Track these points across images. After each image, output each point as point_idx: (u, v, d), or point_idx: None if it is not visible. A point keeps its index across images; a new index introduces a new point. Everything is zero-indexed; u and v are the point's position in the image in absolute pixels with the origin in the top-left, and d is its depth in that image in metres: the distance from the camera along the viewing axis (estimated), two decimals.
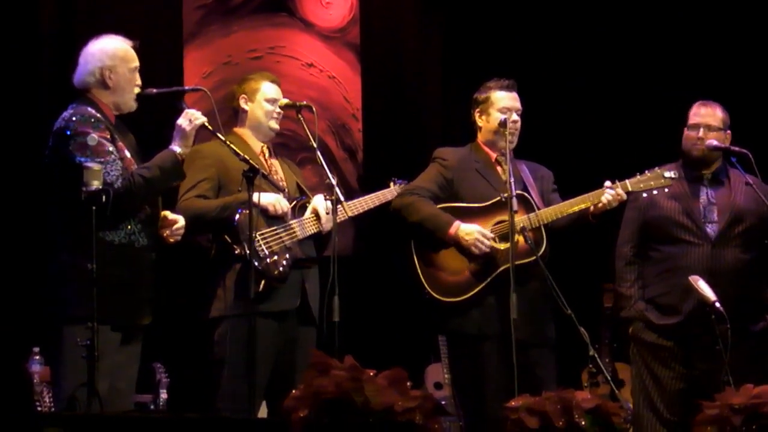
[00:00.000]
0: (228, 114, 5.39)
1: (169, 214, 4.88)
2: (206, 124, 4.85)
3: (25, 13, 6.77)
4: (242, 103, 5.36)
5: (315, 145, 5.07)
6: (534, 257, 5.15)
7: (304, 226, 5.22)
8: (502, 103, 5.40)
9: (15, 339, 6.03)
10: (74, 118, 4.70)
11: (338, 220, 4.99)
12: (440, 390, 7.30)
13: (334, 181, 4.95)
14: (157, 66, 6.47)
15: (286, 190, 5.29)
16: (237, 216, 5.02)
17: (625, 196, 5.26)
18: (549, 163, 5.66)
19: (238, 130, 5.36)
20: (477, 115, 5.48)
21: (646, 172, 5.38)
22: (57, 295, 4.66)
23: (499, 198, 5.25)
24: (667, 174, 5.32)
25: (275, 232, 5.13)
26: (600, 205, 5.24)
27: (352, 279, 5.13)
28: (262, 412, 5.21)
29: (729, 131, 5.56)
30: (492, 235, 5.25)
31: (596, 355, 5.15)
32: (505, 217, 5.14)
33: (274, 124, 5.34)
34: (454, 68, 8.08)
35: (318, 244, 5.28)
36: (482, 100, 5.45)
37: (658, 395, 5.45)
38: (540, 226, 5.27)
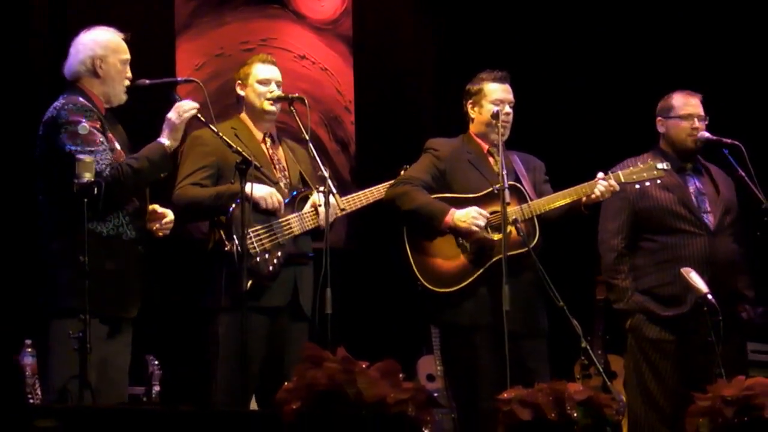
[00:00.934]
0: (222, 105, 5.38)
1: (158, 208, 4.87)
2: (199, 115, 4.84)
3: (17, 4, 6.74)
4: (239, 90, 5.34)
5: (307, 138, 5.06)
6: (526, 248, 5.15)
7: (303, 221, 5.20)
8: (495, 95, 5.40)
9: (6, 331, 6.02)
10: (66, 107, 4.69)
11: (333, 216, 4.99)
12: (433, 382, 7.30)
13: (326, 174, 4.94)
14: (150, 58, 6.45)
15: (285, 181, 5.26)
16: (232, 208, 5.00)
17: (617, 187, 5.26)
18: (541, 154, 5.66)
19: (241, 116, 5.35)
20: (470, 106, 5.48)
21: (639, 163, 5.39)
22: (48, 286, 4.66)
23: (491, 189, 5.25)
24: (660, 166, 5.32)
25: (269, 228, 5.11)
26: (593, 196, 5.24)
27: (344, 271, 5.13)
28: (252, 407, 5.20)
29: None
30: (487, 213, 5.24)
31: (588, 347, 5.15)
32: (498, 208, 5.14)
33: (268, 106, 5.27)
34: (448, 60, 8.08)
35: (315, 236, 5.26)
36: (475, 91, 5.44)
37: (658, 389, 5.45)
38: (532, 217, 5.27)
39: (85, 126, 4.65)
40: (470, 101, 5.47)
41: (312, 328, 5.08)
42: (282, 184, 5.24)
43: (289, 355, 5.09)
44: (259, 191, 5.02)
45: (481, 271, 5.23)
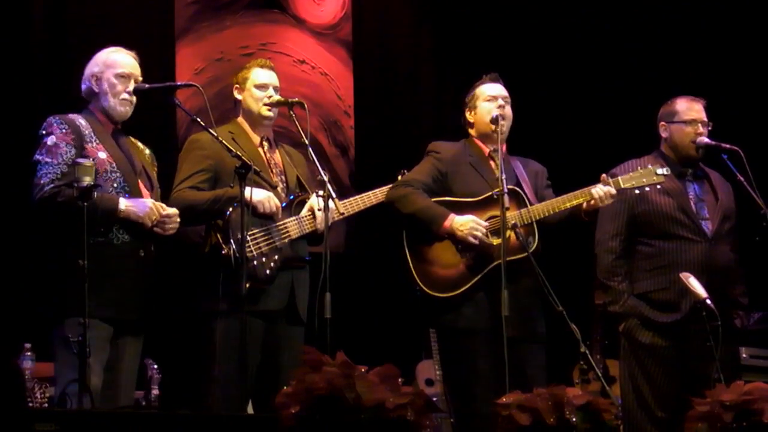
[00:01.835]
0: (222, 109, 5.38)
1: (163, 207, 4.86)
2: (199, 120, 4.83)
3: (17, 8, 6.74)
4: (236, 93, 5.35)
5: (307, 142, 5.06)
6: (526, 253, 5.15)
7: (301, 224, 5.20)
8: (487, 93, 5.45)
9: (6, 335, 6.01)
10: (47, 121, 4.80)
11: (333, 220, 4.99)
12: (432, 386, 7.30)
13: (326, 178, 4.94)
14: (149, 62, 6.45)
15: (283, 185, 5.27)
16: (229, 212, 5.01)
17: (614, 192, 5.26)
18: (542, 158, 5.67)
19: (239, 120, 5.35)
20: (467, 113, 5.51)
21: (639, 168, 5.39)
22: (47, 291, 4.69)
23: (491, 193, 5.25)
24: (659, 171, 5.32)
25: (267, 232, 5.12)
26: (591, 201, 5.24)
27: (344, 276, 5.13)
28: (248, 411, 5.20)
29: None
30: (486, 224, 5.25)
31: (587, 352, 5.17)
32: (497, 212, 5.14)
33: (266, 111, 5.28)
34: (447, 64, 8.10)
35: (312, 240, 5.27)
36: (469, 98, 5.51)
37: (650, 393, 5.43)
38: (531, 223, 5.27)
39: (53, 138, 4.73)
40: (467, 108, 5.51)
41: (311, 330, 5.08)
42: (279, 188, 5.25)
43: (285, 359, 5.09)
44: (256, 195, 5.02)
45: (479, 276, 5.23)
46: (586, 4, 7.97)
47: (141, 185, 4.89)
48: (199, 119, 4.87)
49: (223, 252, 4.98)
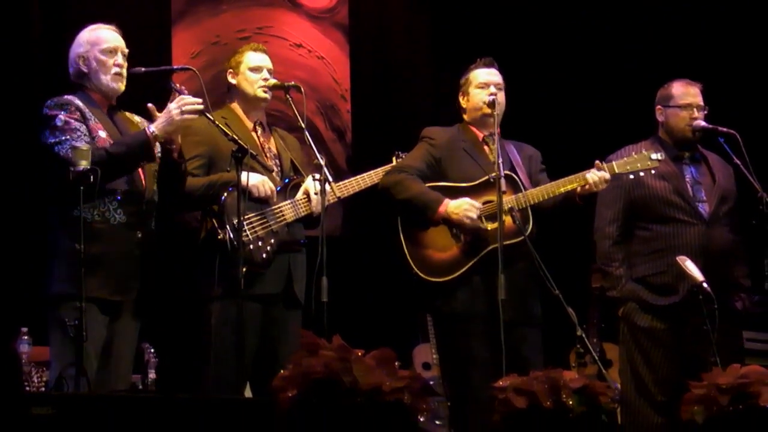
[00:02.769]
0: (218, 93, 5.37)
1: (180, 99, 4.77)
2: (207, 114, 4.82)
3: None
4: (230, 78, 5.35)
5: (303, 126, 5.05)
6: (522, 237, 5.15)
7: (296, 208, 5.20)
8: (480, 79, 5.44)
9: (3, 319, 6.02)
10: (47, 105, 4.78)
11: (328, 202, 4.98)
12: (429, 370, 7.31)
13: (322, 162, 4.94)
14: (145, 45, 6.45)
15: (277, 169, 5.27)
16: (224, 197, 5.00)
17: (608, 177, 5.25)
18: (538, 143, 5.66)
19: (232, 105, 5.35)
20: (461, 98, 5.51)
21: (633, 153, 5.39)
22: (44, 275, 4.69)
23: (486, 178, 5.25)
24: (654, 156, 5.32)
25: (262, 215, 5.11)
26: (586, 186, 5.24)
27: (340, 259, 5.12)
28: (246, 395, 5.20)
29: None
30: (480, 205, 5.25)
31: (584, 336, 5.17)
32: (493, 197, 5.14)
33: (262, 93, 5.29)
34: (444, 47, 8.08)
35: (308, 223, 5.27)
36: (463, 83, 5.50)
37: (650, 377, 5.46)
38: (526, 207, 5.27)
39: (61, 118, 4.71)
40: (460, 93, 5.50)
41: (308, 313, 5.08)
42: (274, 173, 5.24)
43: (283, 342, 5.10)
44: (251, 179, 5.00)
45: (475, 260, 5.23)
46: None
47: None
48: (207, 114, 4.85)
49: (219, 237, 4.98)
